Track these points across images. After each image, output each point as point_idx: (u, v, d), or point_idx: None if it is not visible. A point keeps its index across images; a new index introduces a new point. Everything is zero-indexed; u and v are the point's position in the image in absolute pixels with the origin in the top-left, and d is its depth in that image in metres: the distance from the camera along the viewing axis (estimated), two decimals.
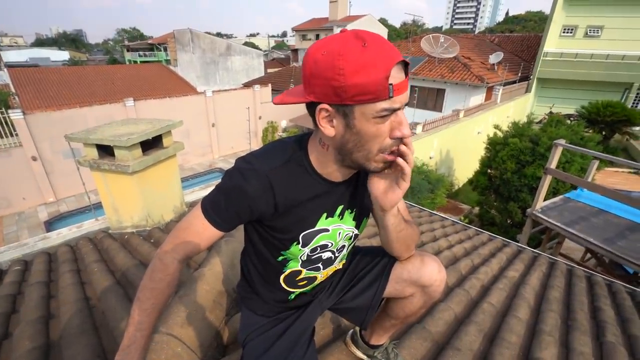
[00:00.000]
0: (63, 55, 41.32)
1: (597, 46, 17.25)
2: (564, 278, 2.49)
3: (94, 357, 1.12)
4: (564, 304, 2.05)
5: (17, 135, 9.87)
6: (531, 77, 18.63)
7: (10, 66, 19.30)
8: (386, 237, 0.82)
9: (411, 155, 0.64)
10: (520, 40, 22.48)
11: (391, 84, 0.56)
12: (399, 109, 0.60)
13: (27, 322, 1.39)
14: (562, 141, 4.51)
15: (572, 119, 14.22)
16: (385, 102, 0.57)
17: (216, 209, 0.72)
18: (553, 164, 4.50)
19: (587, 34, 17.72)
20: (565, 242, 5.31)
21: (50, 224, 9.67)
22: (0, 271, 2.22)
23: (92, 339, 1.24)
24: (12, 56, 33.60)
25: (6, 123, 9.70)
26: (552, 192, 6.64)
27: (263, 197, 0.68)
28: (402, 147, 0.63)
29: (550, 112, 17.53)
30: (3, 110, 9.70)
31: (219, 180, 0.75)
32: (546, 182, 4.64)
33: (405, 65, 0.58)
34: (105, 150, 2.40)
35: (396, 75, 0.56)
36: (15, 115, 9.67)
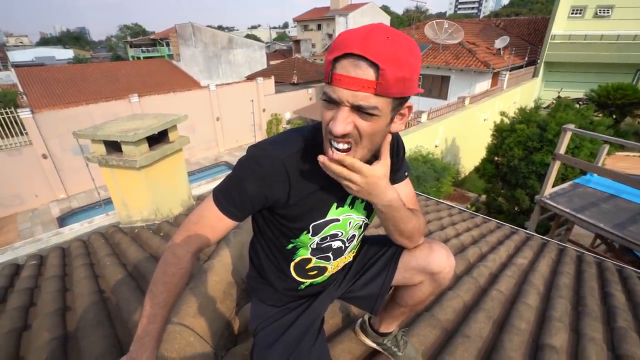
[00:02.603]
0: (67, 53, 41.50)
1: (607, 27, 16.70)
2: (574, 264, 2.47)
3: (110, 347, 1.15)
4: (573, 290, 2.04)
5: (27, 134, 10.01)
6: (538, 61, 18.17)
7: (17, 66, 19.47)
8: (384, 227, 0.84)
9: (338, 166, 0.63)
10: (527, 24, 21.88)
11: (333, 71, 0.57)
12: (335, 102, 0.58)
13: (45, 314, 1.43)
14: (571, 126, 4.43)
15: (581, 102, 13.90)
16: (328, 87, 0.59)
17: (229, 198, 0.71)
18: (562, 149, 4.43)
19: (596, 14, 17.15)
20: (575, 229, 5.26)
21: (63, 220, 9.87)
22: (18, 266, 2.28)
23: (108, 330, 1.27)
24: (18, 56, 33.84)
25: (16, 122, 9.83)
26: (561, 178, 6.53)
27: (278, 184, 0.69)
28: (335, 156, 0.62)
29: (559, 97, 17.11)
30: (13, 109, 9.82)
31: (229, 171, 0.75)
32: (555, 168, 4.58)
33: (373, 65, 0.54)
34: (113, 146, 2.43)
35: (347, 67, 0.55)
36: (25, 114, 9.78)
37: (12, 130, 9.84)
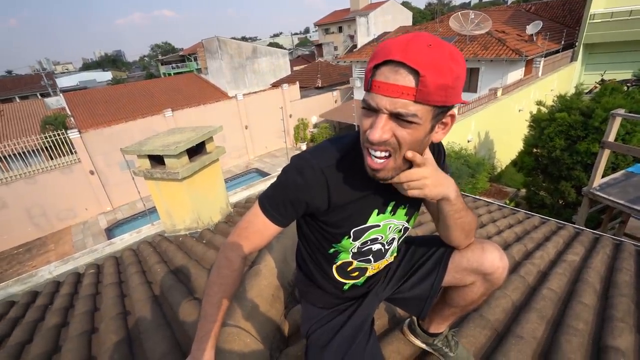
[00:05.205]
0: (106, 75, 44.70)
1: None
2: (633, 260, 2.28)
3: (171, 348, 1.23)
4: (636, 289, 1.88)
5: (75, 152, 10.94)
6: (576, 43, 16.97)
7: (64, 91, 21.23)
8: (444, 223, 0.82)
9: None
10: (561, 5, 20.50)
11: (372, 78, 0.56)
12: (374, 109, 0.58)
13: (110, 318, 1.56)
14: (621, 111, 4.11)
15: (629, 84, 12.81)
16: (367, 94, 0.58)
17: (273, 204, 0.76)
18: (611, 136, 4.12)
19: None
20: (630, 221, 4.85)
21: (110, 231, 10.60)
22: (79, 274, 2.49)
23: (167, 332, 1.36)
24: (65, 81, 36.87)
25: (66, 142, 10.77)
26: (611, 168, 6.05)
27: (318, 192, 0.71)
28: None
29: (602, 80, 15.86)
30: (63, 131, 10.77)
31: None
32: (604, 157, 4.26)
33: (413, 71, 0.53)
34: (156, 160, 2.59)
35: (386, 74, 0.55)
36: (73, 134, 10.74)
37: (63, 150, 10.79)
